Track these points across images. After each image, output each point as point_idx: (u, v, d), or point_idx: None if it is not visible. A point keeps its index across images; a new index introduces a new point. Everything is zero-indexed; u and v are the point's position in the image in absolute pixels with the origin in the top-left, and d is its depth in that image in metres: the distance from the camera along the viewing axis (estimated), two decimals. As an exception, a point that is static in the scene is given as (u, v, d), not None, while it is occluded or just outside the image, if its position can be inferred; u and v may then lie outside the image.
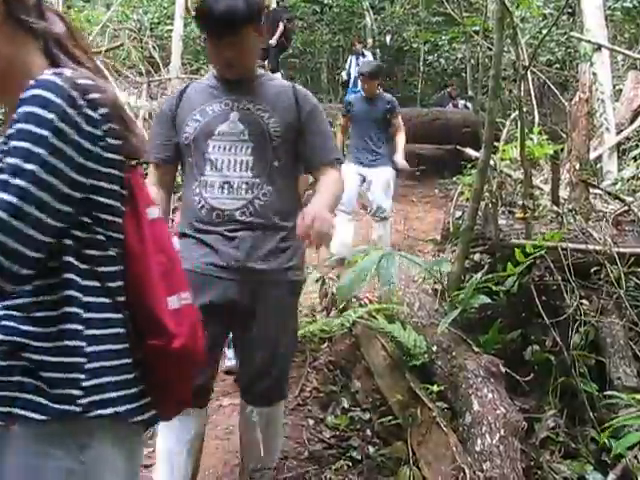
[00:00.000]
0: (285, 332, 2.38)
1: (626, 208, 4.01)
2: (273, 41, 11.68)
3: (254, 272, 2.25)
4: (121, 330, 1.25)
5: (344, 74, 13.79)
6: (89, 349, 1.19)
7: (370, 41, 17.19)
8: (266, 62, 12.01)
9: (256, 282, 2.27)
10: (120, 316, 1.26)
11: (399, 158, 6.02)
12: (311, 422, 3.36)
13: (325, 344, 4.04)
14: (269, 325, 2.30)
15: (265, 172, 2.27)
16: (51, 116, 1.12)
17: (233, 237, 2.24)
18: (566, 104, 7.54)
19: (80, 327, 1.18)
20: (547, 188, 4.82)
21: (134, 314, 1.28)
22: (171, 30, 10.18)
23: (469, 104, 13.86)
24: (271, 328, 2.31)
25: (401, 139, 6.16)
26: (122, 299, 1.27)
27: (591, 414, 2.94)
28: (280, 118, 2.29)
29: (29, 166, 1.09)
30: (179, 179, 2.63)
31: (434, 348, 3.20)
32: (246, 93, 2.33)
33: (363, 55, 13.19)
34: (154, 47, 10.16)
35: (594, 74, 7.42)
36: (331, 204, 2.29)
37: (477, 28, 4.74)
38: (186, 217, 2.35)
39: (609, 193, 4.71)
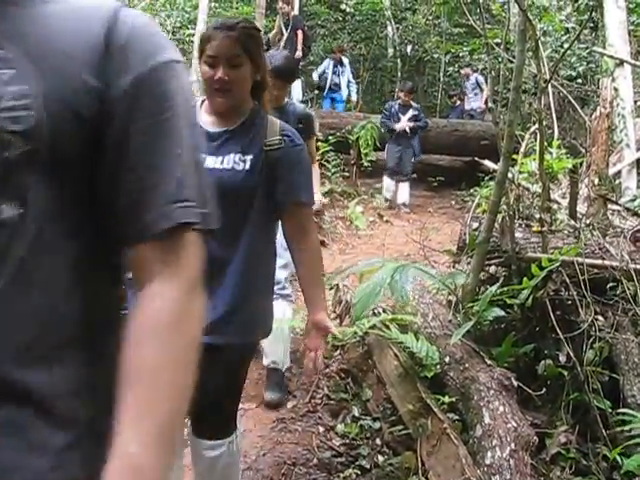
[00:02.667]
0: None
1: (644, 225, 3.98)
2: (299, 53, 11.41)
3: None
4: None
5: (315, 75, 12.48)
6: None
7: (391, 51, 17.22)
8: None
9: None
10: None
11: (318, 196, 4.09)
12: (321, 429, 3.36)
13: (337, 351, 4.04)
14: None
15: None
16: None
17: None
18: (586, 119, 7.52)
19: None
20: (565, 202, 4.80)
21: None
22: (193, 34, 10.31)
23: (479, 78, 13.22)
24: None
25: (314, 174, 3.89)
26: None
27: (603, 431, 2.91)
28: (48, 86, 0.84)
29: None
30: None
31: (446, 359, 3.20)
32: None
33: (342, 63, 12.37)
34: (176, 51, 10.30)
35: (615, 89, 7.37)
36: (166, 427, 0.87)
37: (498, 40, 4.74)
38: None
39: (627, 209, 4.69)
